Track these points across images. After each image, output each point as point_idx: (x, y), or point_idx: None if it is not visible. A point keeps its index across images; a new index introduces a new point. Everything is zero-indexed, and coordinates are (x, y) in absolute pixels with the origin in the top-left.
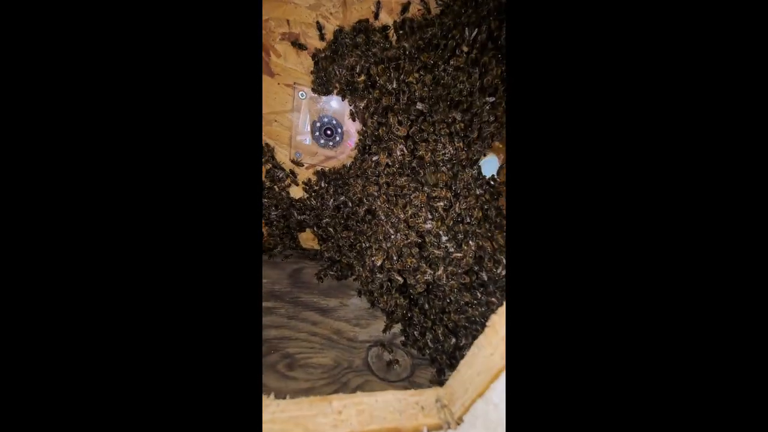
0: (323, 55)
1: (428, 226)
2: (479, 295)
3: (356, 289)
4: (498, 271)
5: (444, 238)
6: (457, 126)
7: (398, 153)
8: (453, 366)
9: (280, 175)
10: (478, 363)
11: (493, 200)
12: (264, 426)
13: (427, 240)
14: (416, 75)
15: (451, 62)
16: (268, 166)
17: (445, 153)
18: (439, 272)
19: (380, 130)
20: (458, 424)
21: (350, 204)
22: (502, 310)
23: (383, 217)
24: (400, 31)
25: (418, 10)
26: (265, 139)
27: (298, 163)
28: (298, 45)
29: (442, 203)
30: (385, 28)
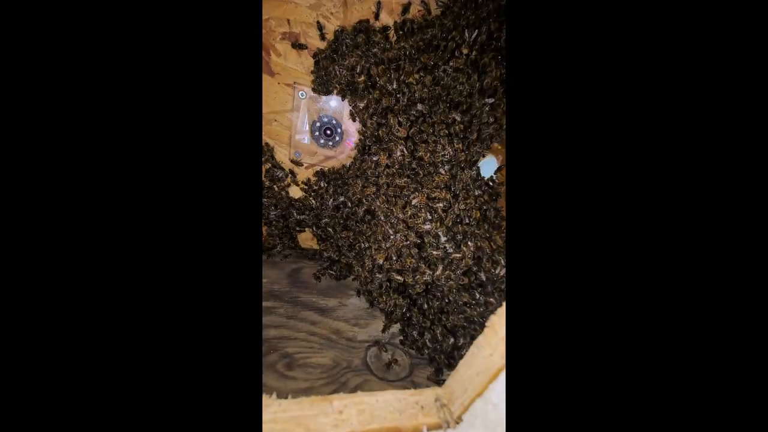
0: (324, 54)
1: (427, 226)
2: (477, 295)
3: (355, 289)
4: (496, 272)
5: (443, 239)
6: (457, 127)
7: (398, 154)
8: (451, 366)
9: (280, 175)
10: (477, 363)
11: (491, 201)
12: (266, 426)
13: (426, 240)
14: (416, 76)
15: (451, 63)
16: (268, 165)
17: (444, 154)
18: (438, 272)
19: (380, 131)
20: (457, 423)
21: (349, 204)
22: (501, 311)
23: (382, 218)
24: (401, 32)
25: (419, 10)
26: (265, 138)
27: (298, 163)
28: (298, 45)
29: (441, 204)
30: (385, 28)
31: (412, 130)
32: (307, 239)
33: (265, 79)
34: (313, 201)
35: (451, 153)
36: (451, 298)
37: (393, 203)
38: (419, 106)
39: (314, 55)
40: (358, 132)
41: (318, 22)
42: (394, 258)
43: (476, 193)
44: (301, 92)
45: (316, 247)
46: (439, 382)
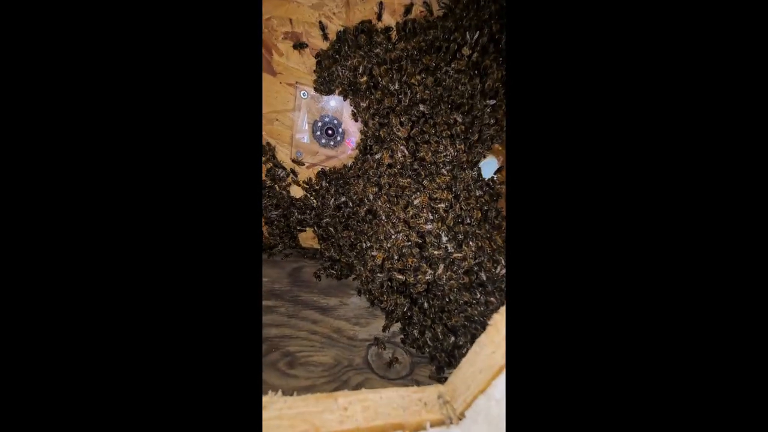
0: (326, 54)
1: (429, 226)
2: (478, 294)
3: (356, 288)
4: (497, 271)
5: (444, 239)
6: (458, 128)
7: (400, 154)
8: (452, 364)
9: (281, 174)
10: (480, 361)
11: (492, 201)
12: (271, 422)
13: (427, 240)
14: (418, 77)
15: (453, 65)
16: (269, 165)
17: (446, 155)
18: (440, 272)
19: (382, 131)
20: (460, 419)
21: (351, 204)
22: (503, 310)
23: (384, 217)
24: (403, 33)
25: (421, 11)
26: (267, 138)
27: (299, 163)
28: (299, 45)
29: (443, 204)
30: (387, 29)
31: (413, 131)
32: (307, 238)
33: (267, 78)
34: (314, 200)
35: (453, 153)
36: (451, 298)
37: (395, 203)
38: (421, 107)
39: (316, 55)
40: (360, 132)
41: (320, 22)
42: (396, 257)
43: (477, 194)
44: (303, 92)
45: (316, 246)
46: (441, 380)
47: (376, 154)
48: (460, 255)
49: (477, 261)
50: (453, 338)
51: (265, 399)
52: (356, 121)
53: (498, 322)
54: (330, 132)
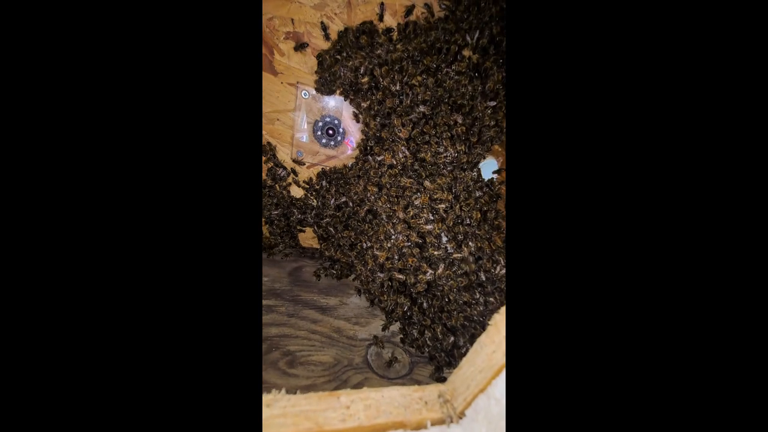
0: (328, 55)
1: (429, 227)
2: (477, 294)
3: (355, 288)
4: (496, 272)
5: (444, 239)
6: (459, 129)
7: (401, 155)
8: (451, 364)
9: (282, 174)
10: (480, 360)
11: (491, 202)
12: (275, 420)
13: (427, 240)
14: (419, 78)
15: (454, 66)
16: (270, 164)
17: (446, 156)
18: (440, 272)
19: (383, 132)
20: (460, 418)
21: (351, 204)
22: (503, 310)
23: (384, 218)
24: (404, 34)
25: (422, 13)
26: (268, 137)
27: (300, 162)
28: (300, 46)
29: (443, 205)
30: (389, 30)
31: (414, 132)
32: (307, 238)
33: (269, 78)
34: (315, 200)
35: (453, 154)
36: (451, 298)
37: (395, 203)
38: (422, 108)
39: (318, 55)
40: (361, 132)
41: (322, 23)
42: (396, 257)
43: (477, 195)
44: (304, 92)
45: (316, 246)
46: (440, 380)
47: (377, 155)
48: (459, 255)
49: (476, 261)
50: (452, 338)
51: (268, 397)
52: (357, 122)
53: (498, 321)
54: (331, 132)
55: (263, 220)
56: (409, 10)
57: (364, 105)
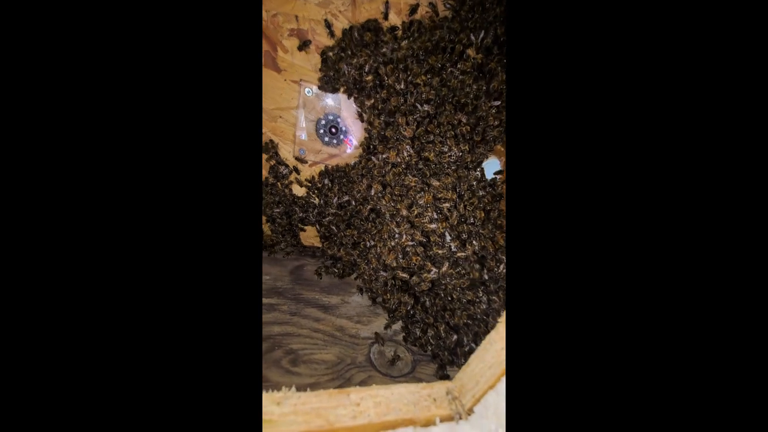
0: (332, 52)
1: (433, 225)
2: (481, 293)
3: (357, 286)
4: (499, 270)
5: (448, 238)
6: (463, 129)
7: (405, 154)
8: (454, 362)
9: (284, 172)
10: (489, 357)
11: (494, 202)
12: (287, 417)
13: (431, 239)
14: (424, 77)
15: (459, 66)
16: (272, 162)
17: (450, 155)
18: (444, 270)
19: (387, 131)
20: (469, 414)
21: (354, 203)
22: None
23: (388, 217)
24: (408, 33)
25: (426, 12)
26: (270, 135)
27: (302, 160)
28: (304, 43)
29: (447, 204)
30: (394, 28)
31: (418, 131)
32: (309, 237)
33: (272, 75)
34: (317, 199)
35: (457, 154)
36: (454, 296)
37: (399, 202)
38: (426, 107)
39: (322, 52)
40: (365, 130)
41: (326, 20)
42: (400, 256)
43: (480, 194)
44: (307, 89)
45: (318, 244)
46: (444, 378)
47: (381, 153)
48: (463, 254)
49: (479, 260)
50: (455, 336)
51: (278, 395)
52: (362, 121)
53: None
54: (333, 130)
55: (265, 218)
56: (414, 9)
57: (368, 103)
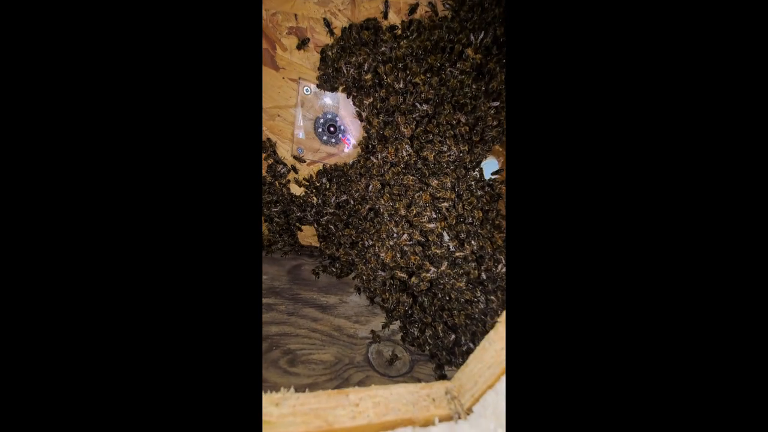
0: (331, 51)
1: (431, 225)
2: (479, 293)
3: (355, 286)
4: (497, 270)
5: (446, 238)
6: (462, 129)
7: (404, 153)
8: (452, 362)
9: (282, 171)
10: (489, 357)
11: (492, 202)
12: (286, 419)
13: (430, 239)
14: (423, 77)
15: (458, 66)
16: (270, 161)
17: (449, 155)
18: (443, 269)
19: (386, 130)
20: (468, 414)
21: (352, 202)
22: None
23: (386, 216)
24: (408, 32)
25: (426, 11)
26: (268, 133)
27: (300, 159)
28: (302, 42)
29: (445, 204)
30: (393, 27)
31: (417, 130)
32: (307, 236)
33: (270, 73)
34: (315, 198)
35: (456, 154)
36: (452, 296)
37: (398, 201)
38: (425, 106)
39: (322, 51)
40: (364, 129)
41: (325, 19)
42: (399, 256)
43: (479, 194)
44: (306, 87)
45: (316, 244)
46: (441, 377)
47: (380, 152)
48: (461, 254)
49: (478, 260)
50: (453, 336)
51: (277, 396)
52: (361, 120)
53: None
54: (332, 129)
55: (262, 217)
56: (413, 8)
57: (367, 102)
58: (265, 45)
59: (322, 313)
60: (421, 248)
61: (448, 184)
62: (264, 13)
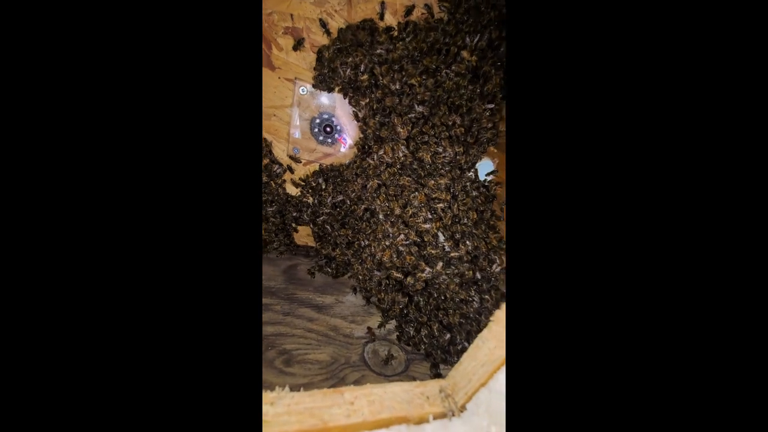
0: (328, 51)
1: (427, 225)
2: (473, 292)
3: (351, 286)
4: (492, 270)
5: (441, 238)
6: (457, 130)
7: (400, 153)
8: (447, 360)
9: (278, 171)
10: (482, 355)
11: (487, 203)
12: (281, 418)
13: (425, 239)
14: (419, 78)
15: (453, 68)
16: (266, 161)
17: (445, 156)
18: (438, 269)
19: (382, 131)
20: (462, 411)
21: (348, 202)
22: (505, 306)
23: (382, 216)
24: (404, 34)
25: (422, 13)
26: (264, 133)
27: (296, 159)
28: (298, 42)
29: (441, 204)
30: (389, 29)
31: (413, 131)
32: (302, 236)
33: (266, 72)
34: (311, 198)
35: (451, 155)
36: (447, 296)
37: (394, 202)
38: (421, 108)
39: (318, 51)
40: (360, 130)
41: (321, 19)
42: (395, 256)
43: (473, 195)
44: (302, 87)
45: (312, 244)
46: (437, 376)
47: (375, 153)
48: (456, 254)
49: (472, 260)
50: (448, 335)
51: (271, 395)
52: (358, 121)
53: (500, 317)
54: (328, 129)
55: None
56: (409, 10)
57: (363, 102)
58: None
59: (318, 313)
60: (416, 248)
61: (444, 185)
62: None
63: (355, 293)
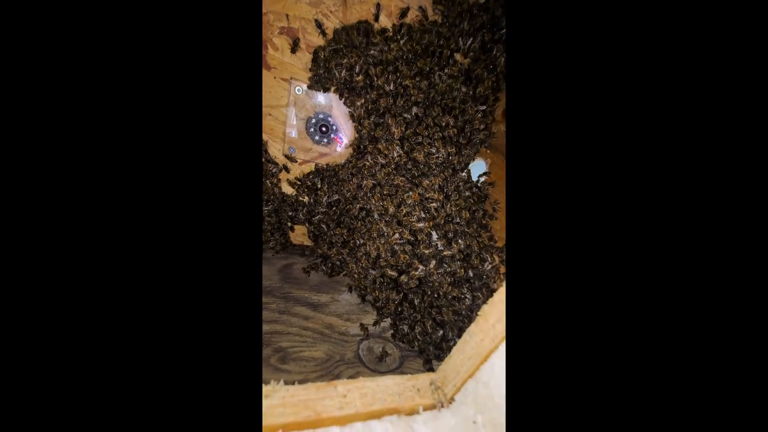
0: (324, 52)
1: (420, 224)
2: (465, 290)
3: (346, 284)
4: (483, 268)
5: (435, 237)
6: (450, 131)
7: (395, 153)
8: (440, 356)
9: (273, 170)
10: (470, 348)
11: (479, 202)
12: (275, 410)
13: (419, 238)
14: (413, 80)
15: (446, 70)
16: (262, 160)
17: (438, 156)
18: (431, 267)
19: (376, 131)
20: (450, 402)
21: (343, 201)
22: (491, 301)
23: (377, 216)
24: (398, 35)
25: (416, 15)
26: None
27: (292, 159)
28: (294, 43)
29: (434, 204)
30: (384, 30)
31: (407, 132)
32: (298, 235)
33: (262, 72)
34: (306, 197)
35: (444, 155)
36: (440, 293)
37: (388, 201)
38: (415, 109)
39: (314, 51)
40: (355, 130)
41: (316, 20)
42: (389, 255)
43: (466, 195)
44: (297, 87)
45: (307, 243)
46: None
47: (370, 153)
48: (449, 253)
49: (465, 258)
50: (441, 332)
51: (267, 388)
52: (353, 121)
53: (487, 312)
54: (324, 129)
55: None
56: (404, 12)
57: (359, 103)
58: None
59: (313, 311)
60: (410, 247)
61: (437, 185)
62: None
63: (351, 291)
